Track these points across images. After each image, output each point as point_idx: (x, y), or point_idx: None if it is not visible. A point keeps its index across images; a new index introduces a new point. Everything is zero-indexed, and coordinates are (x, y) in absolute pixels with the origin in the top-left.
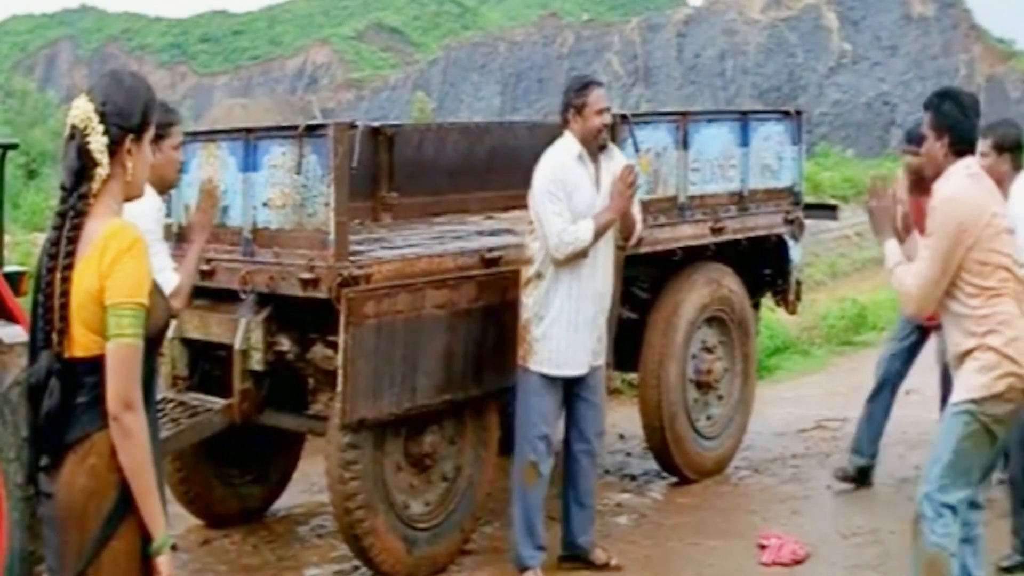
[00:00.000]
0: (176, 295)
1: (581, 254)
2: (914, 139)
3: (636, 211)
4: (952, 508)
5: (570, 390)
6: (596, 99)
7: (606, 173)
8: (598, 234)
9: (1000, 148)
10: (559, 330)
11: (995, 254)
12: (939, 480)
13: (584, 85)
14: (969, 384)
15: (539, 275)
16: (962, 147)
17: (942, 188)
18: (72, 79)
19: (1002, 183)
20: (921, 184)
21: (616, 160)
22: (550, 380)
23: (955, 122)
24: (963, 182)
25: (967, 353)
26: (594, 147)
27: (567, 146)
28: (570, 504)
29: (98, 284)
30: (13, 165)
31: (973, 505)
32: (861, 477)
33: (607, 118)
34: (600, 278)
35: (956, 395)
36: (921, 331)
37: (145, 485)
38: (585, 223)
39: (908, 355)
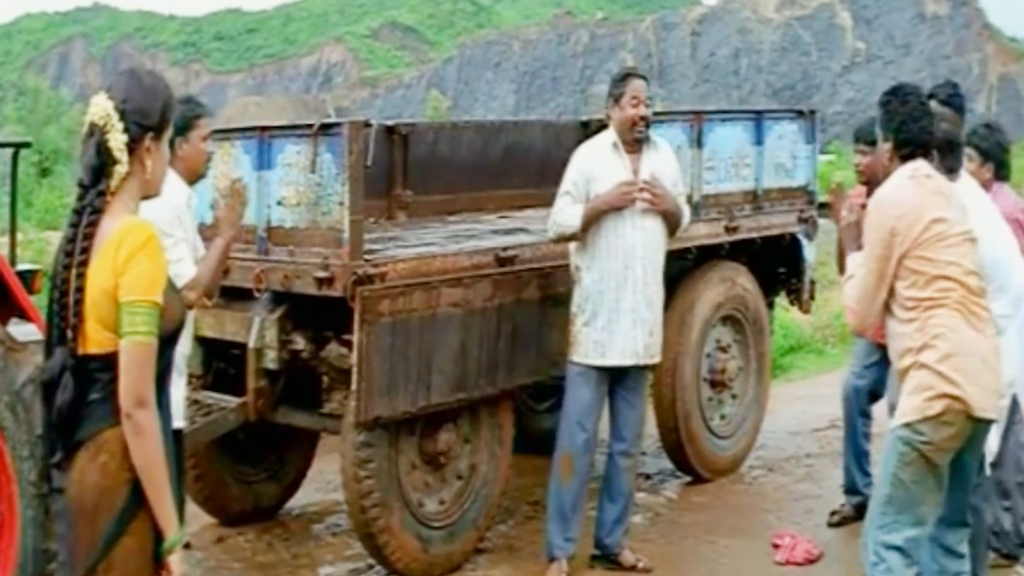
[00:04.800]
0: (191, 287)
1: (570, 238)
2: (862, 137)
3: (683, 206)
4: (899, 550)
5: (613, 389)
6: (633, 89)
7: (647, 165)
8: (586, 220)
9: (984, 154)
10: (600, 322)
11: (932, 263)
12: (880, 517)
13: (624, 76)
14: (903, 407)
15: (577, 268)
16: (907, 150)
17: (878, 191)
18: (85, 77)
19: (986, 190)
20: (871, 187)
21: (661, 152)
22: (591, 373)
23: (900, 123)
24: (901, 184)
25: (904, 372)
26: (630, 137)
27: (605, 136)
28: (603, 503)
29: (112, 281)
30: (26, 163)
31: (952, 552)
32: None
33: (643, 110)
34: (640, 268)
35: (893, 419)
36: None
37: (157, 483)
38: (578, 208)
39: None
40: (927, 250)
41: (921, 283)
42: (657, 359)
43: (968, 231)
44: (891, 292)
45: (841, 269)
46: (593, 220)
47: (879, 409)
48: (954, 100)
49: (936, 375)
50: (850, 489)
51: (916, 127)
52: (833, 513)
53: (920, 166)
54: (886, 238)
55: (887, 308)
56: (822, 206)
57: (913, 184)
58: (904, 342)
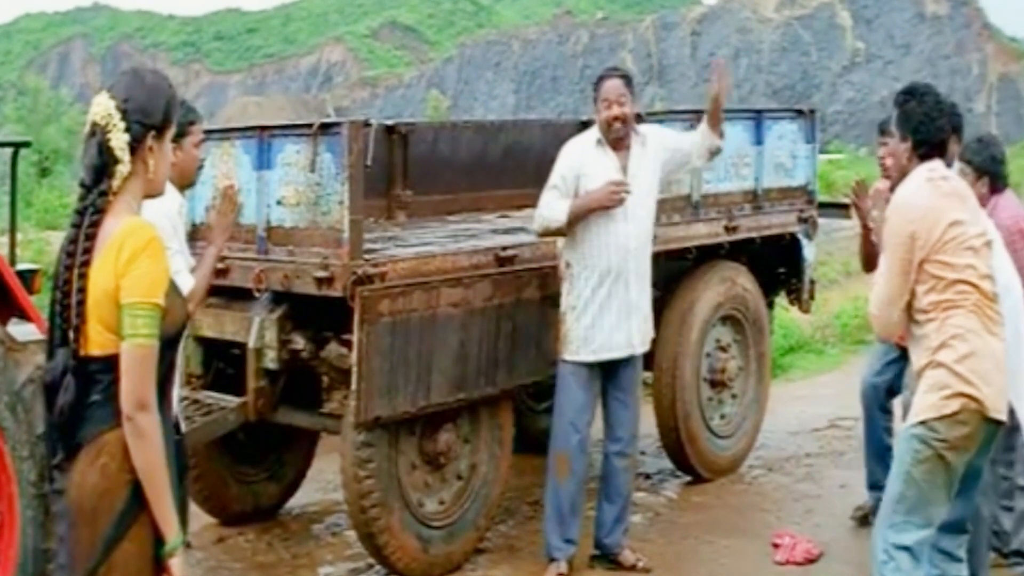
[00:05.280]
0: (190, 298)
1: (555, 232)
2: (888, 130)
3: (690, 135)
4: (908, 550)
5: (605, 388)
6: (606, 92)
7: (637, 160)
8: (573, 216)
9: (977, 170)
10: (593, 318)
11: (951, 268)
12: (891, 516)
13: (599, 79)
14: (919, 405)
15: (568, 265)
16: (925, 150)
17: (897, 194)
18: (85, 77)
19: (982, 206)
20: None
21: (649, 142)
22: (583, 372)
23: (918, 123)
24: (919, 187)
25: (921, 372)
26: (611, 137)
27: (590, 134)
28: (602, 503)
29: (114, 283)
30: (26, 163)
31: (950, 557)
32: None
33: (616, 110)
34: (633, 261)
35: (908, 418)
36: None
37: (158, 486)
38: (565, 203)
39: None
40: (946, 254)
41: (940, 287)
42: (648, 345)
43: (983, 233)
44: (911, 296)
45: (865, 266)
46: (580, 217)
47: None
48: (952, 120)
49: (953, 374)
50: (873, 485)
51: (933, 127)
52: (858, 508)
53: (936, 167)
54: (907, 243)
55: (906, 312)
56: (823, 205)
57: (930, 187)
58: (922, 343)
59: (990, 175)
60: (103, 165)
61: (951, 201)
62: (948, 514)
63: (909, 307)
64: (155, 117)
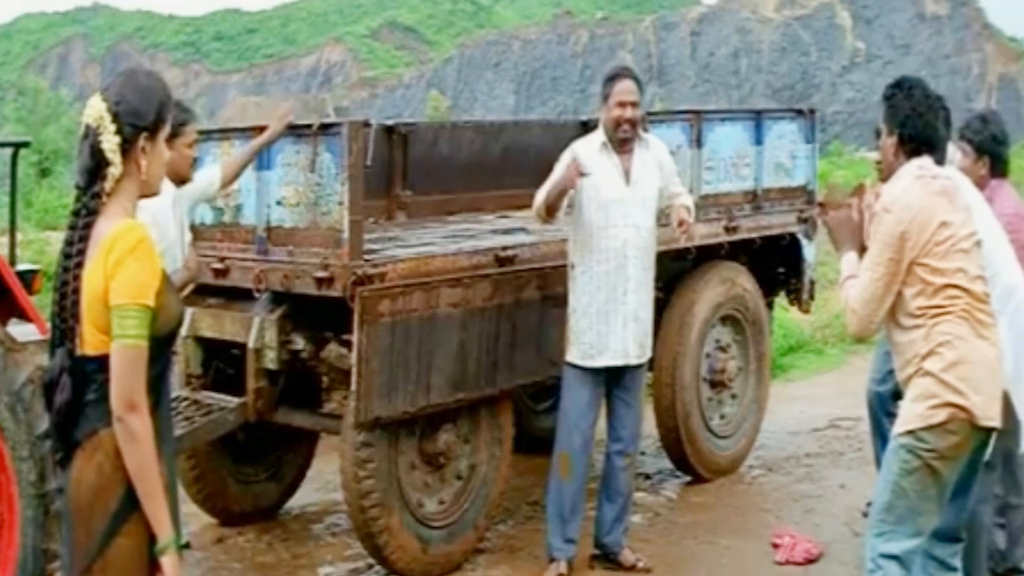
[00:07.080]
0: None
1: (548, 216)
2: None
3: (687, 198)
4: (897, 559)
5: (609, 388)
6: (619, 91)
7: (640, 164)
8: (548, 198)
9: (978, 149)
10: (589, 321)
11: (940, 272)
12: (878, 525)
13: (613, 76)
14: (906, 414)
15: (572, 266)
16: (913, 146)
17: (886, 192)
18: (85, 77)
19: (981, 188)
20: None
21: (652, 151)
22: (586, 373)
23: (905, 118)
24: (909, 185)
25: (908, 380)
26: (616, 138)
27: (594, 136)
28: (602, 502)
29: (103, 285)
30: (26, 163)
31: (944, 565)
32: None
33: (628, 112)
34: (632, 268)
35: (896, 426)
36: None
37: (149, 486)
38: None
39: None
40: (935, 258)
41: (929, 292)
42: (648, 356)
43: (973, 233)
44: (898, 298)
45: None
46: (554, 200)
47: None
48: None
49: (940, 383)
50: None
51: (921, 122)
52: (869, 503)
53: (925, 164)
54: (897, 243)
55: (891, 315)
56: (821, 206)
57: (920, 185)
58: (910, 349)
59: (991, 156)
60: (95, 167)
61: (940, 200)
62: (941, 522)
63: (893, 311)
64: (147, 118)
